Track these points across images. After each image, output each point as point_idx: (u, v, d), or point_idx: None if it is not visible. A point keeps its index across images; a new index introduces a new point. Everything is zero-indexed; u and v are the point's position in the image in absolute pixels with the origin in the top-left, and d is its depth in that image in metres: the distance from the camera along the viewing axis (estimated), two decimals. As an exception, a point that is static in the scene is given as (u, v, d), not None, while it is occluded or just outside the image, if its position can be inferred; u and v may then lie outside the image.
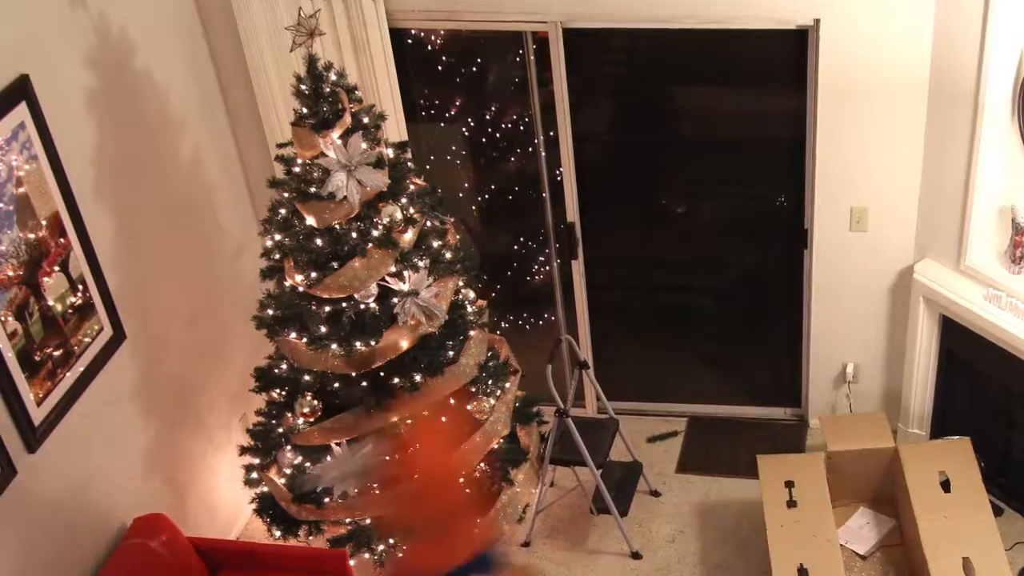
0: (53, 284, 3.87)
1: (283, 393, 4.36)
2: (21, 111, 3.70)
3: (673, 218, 5.22)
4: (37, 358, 3.78)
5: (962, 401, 4.90)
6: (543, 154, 5.00)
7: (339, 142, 3.88)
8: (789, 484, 4.51)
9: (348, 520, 4.42)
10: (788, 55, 4.56)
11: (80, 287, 4.01)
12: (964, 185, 4.37)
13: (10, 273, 3.66)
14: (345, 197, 3.90)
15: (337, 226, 3.99)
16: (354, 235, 3.99)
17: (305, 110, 3.91)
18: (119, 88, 4.26)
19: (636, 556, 4.87)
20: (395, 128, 4.70)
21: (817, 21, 4.34)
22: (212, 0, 4.66)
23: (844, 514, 4.77)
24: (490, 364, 4.44)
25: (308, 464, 4.33)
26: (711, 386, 5.37)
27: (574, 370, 5.00)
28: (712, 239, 5.17)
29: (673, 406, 5.59)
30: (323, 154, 3.89)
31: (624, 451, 5.12)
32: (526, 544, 5.00)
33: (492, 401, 4.39)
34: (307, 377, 4.22)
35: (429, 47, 4.89)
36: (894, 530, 4.73)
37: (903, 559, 4.61)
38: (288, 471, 4.39)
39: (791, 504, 4.44)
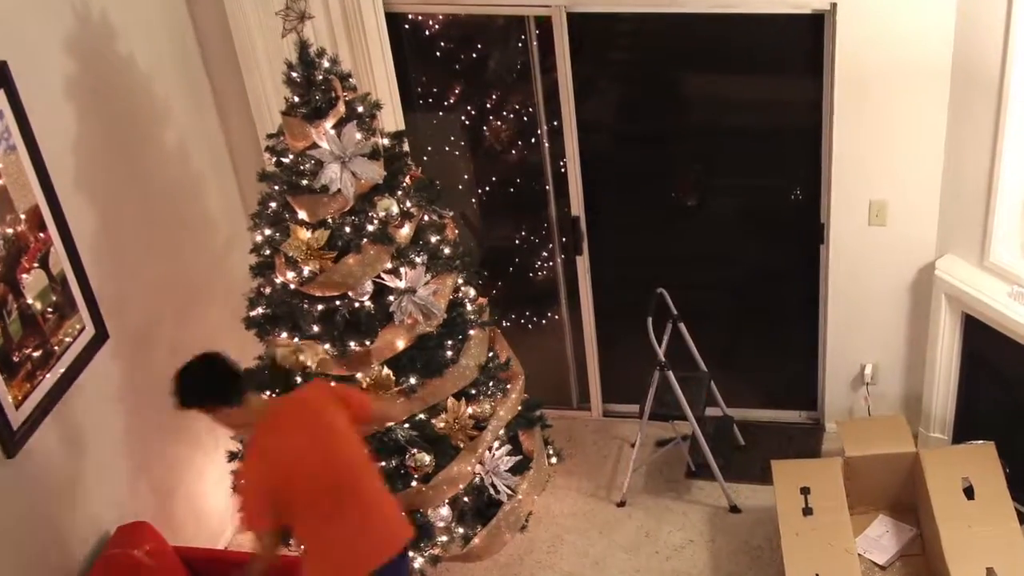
0: (32, 281, 3.81)
1: (274, 395, 4.27)
2: (-2, 99, 3.67)
3: (683, 212, 5.19)
4: (15, 359, 3.73)
5: (986, 404, 4.85)
6: (546, 145, 4.98)
7: (332, 132, 3.88)
8: (805, 491, 4.48)
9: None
10: (803, 41, 4.52)
11: (60, 284, 3.95)
12: (988, 177, 4.33)
13: (-14, 270, 3.63)
14: (339, 190, 3.90)
15: (330, 220, 3.98)
16: (348, 230, 3.98)
17: (296, 99, 3.92)
18: (101, 76, 4.23)
19: (735, 510, 4.95)
20: (391, 117, 4.67)
21: (834, 5, 4.30)
22: (199, -18, 4.67)
23: (862, 522, 4.73)
24: (491, 365, 4.42)
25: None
26: (722, 388, 5.32)
27: (667, 324, 5.01)
28: (723, 234, 5.14)
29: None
30: (316, 145, 3.89)
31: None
32: (621, 504, 5.05)
33: (492, 404, 4.36)
34: (299, 379, 4.16)
35: (427, 32, 4.87)
36: (915, 539, 4.69)
37: (924, 569, 4.57)
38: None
39: (807, 511, 4.40)
